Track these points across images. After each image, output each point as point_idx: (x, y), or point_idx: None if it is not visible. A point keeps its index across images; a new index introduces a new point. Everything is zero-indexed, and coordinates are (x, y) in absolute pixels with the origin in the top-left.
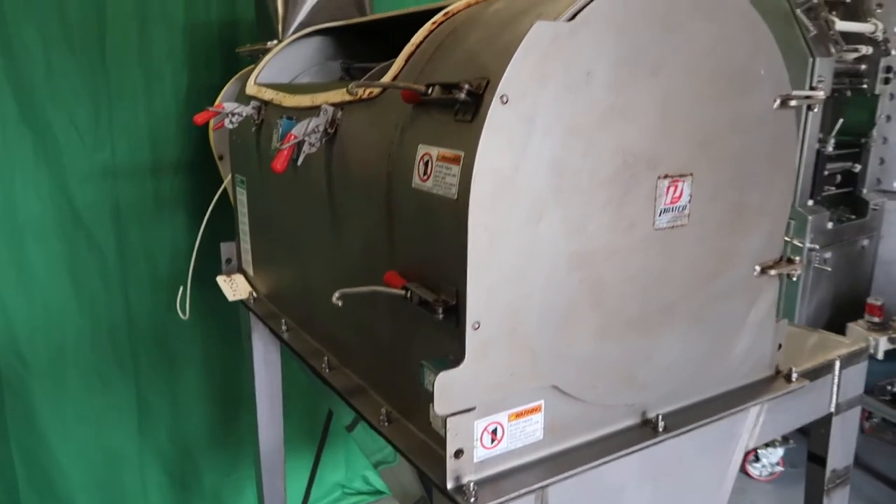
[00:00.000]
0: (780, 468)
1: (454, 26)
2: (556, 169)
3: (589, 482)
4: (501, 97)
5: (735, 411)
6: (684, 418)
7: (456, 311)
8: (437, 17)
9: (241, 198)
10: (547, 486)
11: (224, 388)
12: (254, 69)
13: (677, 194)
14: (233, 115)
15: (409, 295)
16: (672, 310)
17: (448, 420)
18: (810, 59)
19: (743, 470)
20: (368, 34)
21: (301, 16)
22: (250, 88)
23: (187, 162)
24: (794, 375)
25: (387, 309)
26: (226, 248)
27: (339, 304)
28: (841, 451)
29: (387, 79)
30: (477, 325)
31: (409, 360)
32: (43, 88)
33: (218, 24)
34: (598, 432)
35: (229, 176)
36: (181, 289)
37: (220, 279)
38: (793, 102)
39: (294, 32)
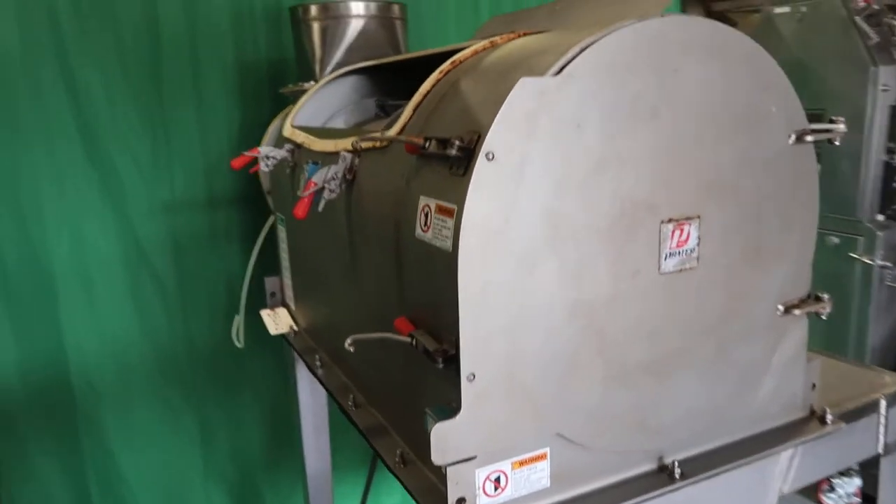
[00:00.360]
0: (856, 499)
1: (458, 76)
2: (549, 220)
3: None
4: (487, 154)
5: (760, 456)
6: (705, 464)
7: (456, 361)
8: (445, 65)
9: (282, 234)
10: None
11: (280, 413)
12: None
13: (683, 238)
14: (268, 158)
15: (414, 343)
16: (685, 353)
17: (448, 469)
18: (871, 68)
19: (817, 500)
20: (403, 71)
21: (337, 56)
22: (286, 130)
23: (240, 195)
24: (829, 417)
25: (400, 354)
26: (270, 282)
27: (352, 349)
28: (893, 494)
29: (395, 129)
30: (472, 377)
31: (419, 404)
32: (107, 129)
33: (266, 62)
34: (610, 479)
35: None
36: (235, 318)
37: (264, 313)
38: (810, 137)
39: (331, 72)
